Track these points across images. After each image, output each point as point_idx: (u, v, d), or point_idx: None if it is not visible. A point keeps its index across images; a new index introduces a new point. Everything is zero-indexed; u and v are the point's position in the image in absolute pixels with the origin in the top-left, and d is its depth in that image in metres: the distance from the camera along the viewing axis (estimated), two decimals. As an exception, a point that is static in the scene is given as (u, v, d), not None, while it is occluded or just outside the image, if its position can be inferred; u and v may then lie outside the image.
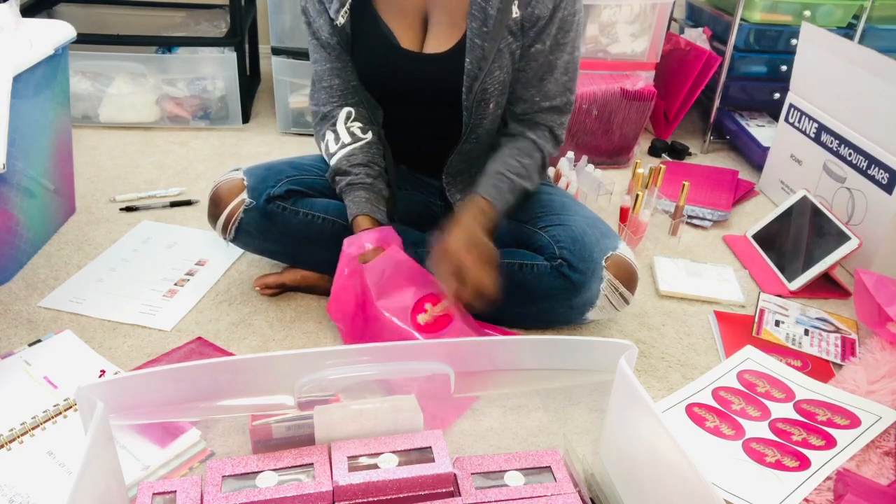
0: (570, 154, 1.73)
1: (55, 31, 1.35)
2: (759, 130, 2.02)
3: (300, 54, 1.96)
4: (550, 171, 1.65)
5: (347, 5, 1.16)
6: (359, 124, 1.22)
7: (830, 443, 1.03)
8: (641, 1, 1.85)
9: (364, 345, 0.85)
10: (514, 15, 1.12)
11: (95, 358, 1.12)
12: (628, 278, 1.17)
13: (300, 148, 1.88)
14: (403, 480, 0.82)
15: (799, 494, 0.94)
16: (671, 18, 2.08)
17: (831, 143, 1.59)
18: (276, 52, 1.98)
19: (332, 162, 1.21)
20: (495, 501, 0.83)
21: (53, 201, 1.46)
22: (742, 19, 1.94)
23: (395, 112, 1.25)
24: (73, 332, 1.17)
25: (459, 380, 0.88)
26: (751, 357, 1.22)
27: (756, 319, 1.33)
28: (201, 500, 0.80)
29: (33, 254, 1.39)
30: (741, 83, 2.04)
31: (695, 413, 1.09)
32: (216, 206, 1.23)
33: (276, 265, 1.35)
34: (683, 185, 1.59)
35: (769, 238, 1.58)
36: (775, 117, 1.96)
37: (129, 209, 1.57)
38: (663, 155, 2.06)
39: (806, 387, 1.16)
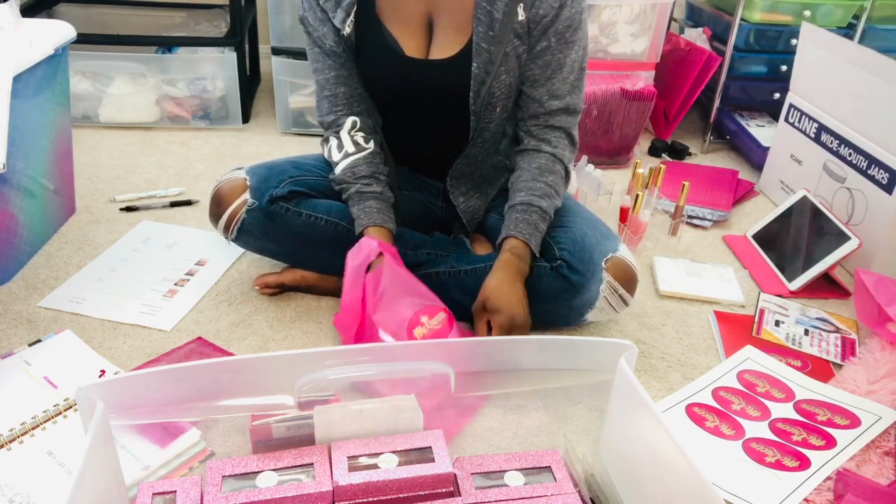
0: (570, 154, 1.73)
1: (55, 31, 1.35)
2: (759, 130, 2.02)
3: (300, 54, 1.95)
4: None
5: (352, 14, 1.15)
6: (362, 134, 1.22)
7: (830, 443, 1.03)
8: (641, 1, 1.85)
9: (364, 345, 0.85)
10: (519, 17, 1.12)
11: (95, 358, 1.12)
12: (628, 280, 1.17)
13: (300, 148, 1.88)
14: (403, 480, 0.82)
15: (799, 494, 0.94)
16: (671, 18, 2.08)
17: (831, 143, 1.59)
18: (276, 52, 1.98)
19: (336, 171, 1.22)
20: (495, 501, 0.83)
21: (53, 201, 1.46)
22: (742, 19, 1.94)
23: (400, 116, 1.24)
24: (73, 332, 1.17)
25: (459, 380, 0.88)
26: (751, 357, 1.22)
27: (756, 319, 1.33)
28: (201, 500, 0.80)
29: (33, 254, 1.39)
30: (741, 83, 2.04)
31: (695, 413, 1.09)
32: (218, 205, 1.23)
33: (277, 265, 1.35)
34: (683, 185, 1.59)
35: (769, 238, 1.58)
36: (775, 117, 1.96)
37: (129, 209, 1.57)
38: (663, 155, 2.06)
39: (806, 387, 1.16)
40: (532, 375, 0.92)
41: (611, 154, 1.97)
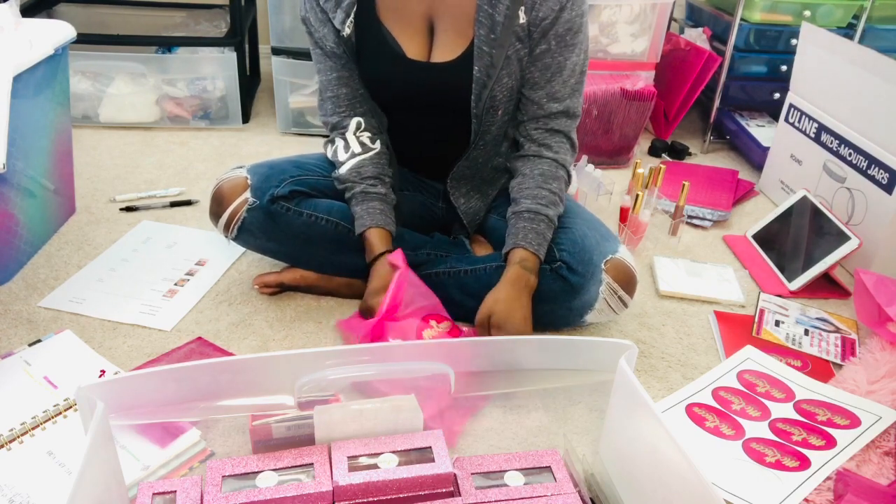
0: (570, 154, 1.73)
1: (55, 31, 1.35)
2: (759, 130, 2.02)
3: (300, 54, 1.96)
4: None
5: (352, 15, 1.15)
6: (368, 134, 1.23)
7: (830, 443, 1.03)
8: (641, 1, 1.85)
9: (364, 345, 0.85)
10: (521, 21, 1.12)
11: (95, 358, 1.12)
12: (627, 282, 1.17)
13: (300, 148, 1.88)
14: (403, 480, 0.82)
15: (799, 494, 0.94)
16: (671, 18, 2.08)
17: (831, 143, 1.59)
18: (276, 52, 1.98)
19: (342, 171, 1.22)
20: (495, 501, 0.83)
21: (53, 201, 1.46)
22: (742, 19, 1.94)
23: (401, 118, 1.24)
24: (73, 332, 1.17)
25: (459, 380, 0.88)
26: (751, 357, 1.22)
27: (756, 319, 1.33)
28: (201, 500, 0.80)
29: (33, 254, 1.39)
30: (741, 83, 2.04)
31: (695, 413, 1.09)
32: (219, 204, 1.23)
33: (277, 265, 1.35)
34: (683, 185, 1.59)
35: (769, 238, 1.58)
36: (775, 117, 1.96)
37: (129, 209, 1.57)
38: (663, 155, 2.06)
39: (806, 387, 1.16)
40: (532, 375, 0.92)
41: (611, 154, 1.97)
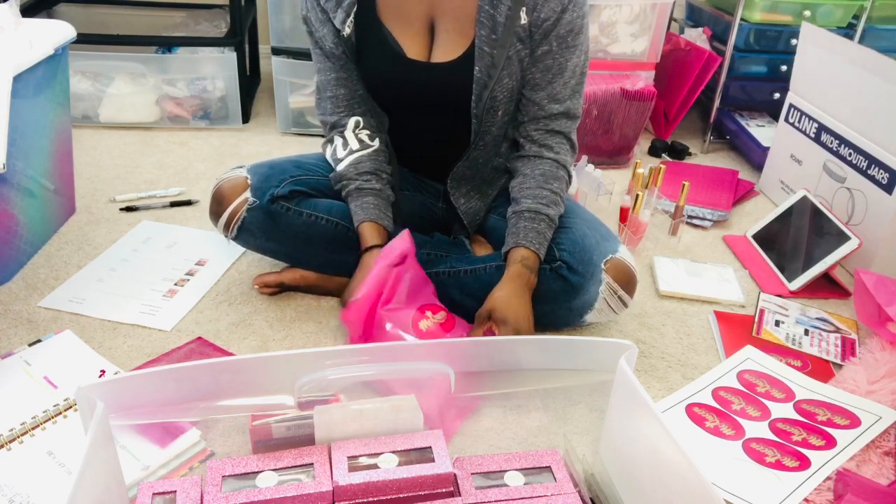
0: (570, 154, 1.73)
1: (55, 31, 1.35)
2: (759, 130, 2.02)
3: (300, 54, 1.96)
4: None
5: (352, 15, 1.15)
6: (367, 132, 1.22)
7: (830, 443, 1.03)
8: (641, 1, 1.85)
9: (364, 345, 0.85)
10: (522, 21, 1.11)
11: (95, 358, 1.12)
12: (627, 281, 1.17)
13: (300, 148, 1.88)
14: (403, 480, 0.82)
15: (799, 494, 0.94)
16: (671, 18, 2.08)
17: (831, 143, 1.59)
18: (276, 52, 1.98)
19: (340, 167, 1.22)
20: (495, 501, 0.83)
21: (53, 201, 1.46)
22: (742, 19, 1.94)
23: (401, 118, 1.24)
24: (73, 332, 1.17)
25: (459, 380, 0.88)
26: (751, 357, 1.22)
27: (756, 319, 1.33)
28: (201, 500, 0.80)
29: (33, 254, 1.39)
30: (741, 83, 2.04)
31: (695, 413, 1.09)
32: (219, 203, 1.23)
33: (277, 265, 1.35)
34: (683, 185, 1.59)
35: (769, 238, 1.58)
36: (775, 117, 1.96)
37: (129, 209, 1.57)
38: (663, 155, 2.06)
39: (806, 387, 1.16)
40: (532, 375, 0.92)
41: (611, 154, 1.97)
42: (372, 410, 0.88)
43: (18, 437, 0.96)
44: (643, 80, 1.91)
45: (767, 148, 1.87)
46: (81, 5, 2.29)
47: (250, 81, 2.23)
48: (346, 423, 0.88)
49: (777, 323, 1.33)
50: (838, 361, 1.23)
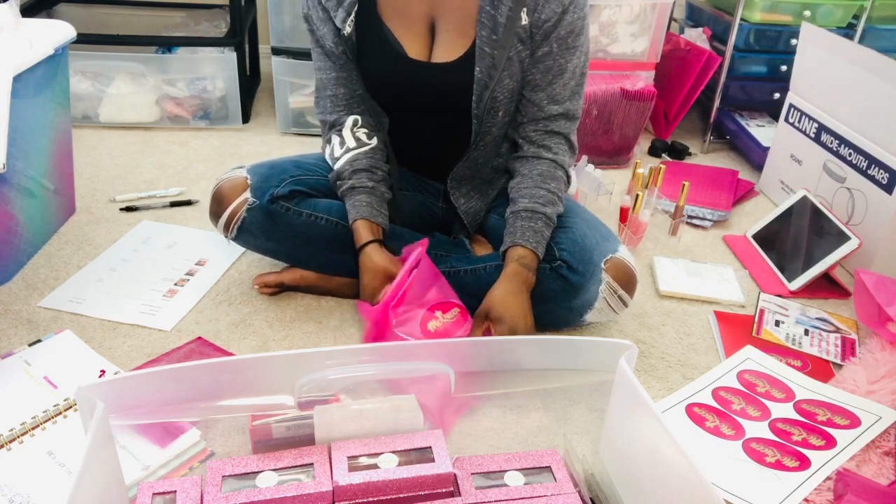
0: (570, 154, 1.73)
1: (55, 31, 1.35)
2: (759, 130, 2.02)
3: (300, 54, 1.96)
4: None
5: (353, 14, 1.15)
6: (364, 130, 1.22)
7: (830, 443, 1.03)
8: (641, 1, 1.85)
9: (364, 345, 0.85)
10: (522, 22, 1.11)
11: (95, 358, 1.12)
12: (627, 281, 1.17)
13: (300, 148, 1.88)
14: (403, 480, 0.82)
15: (799, 494, 0.94)
16: (671, 18, 2.08)
17: (831, 143, 1.59)
18: (276, 52, 1.97)
19: (336, 166, 1.21)
20: (495, 501, 0.83)
21: (53, 201, 1.46)
22: (742, 19, 1.94)
23: (401, 118, 1.24)
24: (73, 332, 1.17)
25: (459, 380, 0.88)
26: (751, 357, 1.22)
27: (756, 319, 1.33)
28: (201, 500, 0.80)
29: (33, 254, 1.39)
30: (741, 83, 2.04)
31: (695, 413, 1.09)
32: (219, 204, 1.23)
33: (277, 265, 1.35)
34: (683, 185, 1.59)
35: (769, 238, 1.58)
36: (775, 117, 1.96)
37: (129, 209, 1.57)
38: (663, 155, 2.06)
39: (806, 387, 1.16)
40: (532, 375, 0.91)
41: (611, 154, 1.97)
42: (372, 410, 0.88)
43: (18, 437, 0.96)
44: (643, 80, 1.91)
45: (767, 148, 1.87)
46: (81, 5, 2.29)
47: (250, 81, 2.23)
48: (346, 423, 0.88)
49: (777, 323, 1.33)
50: (838, 361, 1.23)
